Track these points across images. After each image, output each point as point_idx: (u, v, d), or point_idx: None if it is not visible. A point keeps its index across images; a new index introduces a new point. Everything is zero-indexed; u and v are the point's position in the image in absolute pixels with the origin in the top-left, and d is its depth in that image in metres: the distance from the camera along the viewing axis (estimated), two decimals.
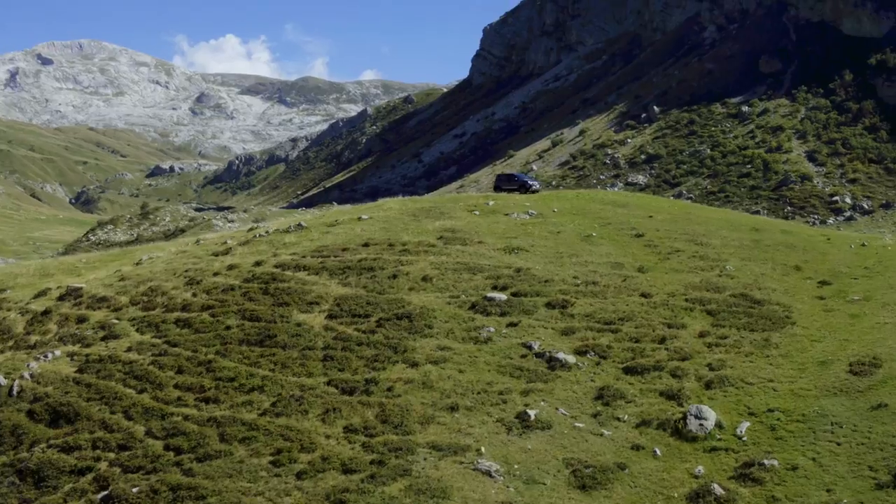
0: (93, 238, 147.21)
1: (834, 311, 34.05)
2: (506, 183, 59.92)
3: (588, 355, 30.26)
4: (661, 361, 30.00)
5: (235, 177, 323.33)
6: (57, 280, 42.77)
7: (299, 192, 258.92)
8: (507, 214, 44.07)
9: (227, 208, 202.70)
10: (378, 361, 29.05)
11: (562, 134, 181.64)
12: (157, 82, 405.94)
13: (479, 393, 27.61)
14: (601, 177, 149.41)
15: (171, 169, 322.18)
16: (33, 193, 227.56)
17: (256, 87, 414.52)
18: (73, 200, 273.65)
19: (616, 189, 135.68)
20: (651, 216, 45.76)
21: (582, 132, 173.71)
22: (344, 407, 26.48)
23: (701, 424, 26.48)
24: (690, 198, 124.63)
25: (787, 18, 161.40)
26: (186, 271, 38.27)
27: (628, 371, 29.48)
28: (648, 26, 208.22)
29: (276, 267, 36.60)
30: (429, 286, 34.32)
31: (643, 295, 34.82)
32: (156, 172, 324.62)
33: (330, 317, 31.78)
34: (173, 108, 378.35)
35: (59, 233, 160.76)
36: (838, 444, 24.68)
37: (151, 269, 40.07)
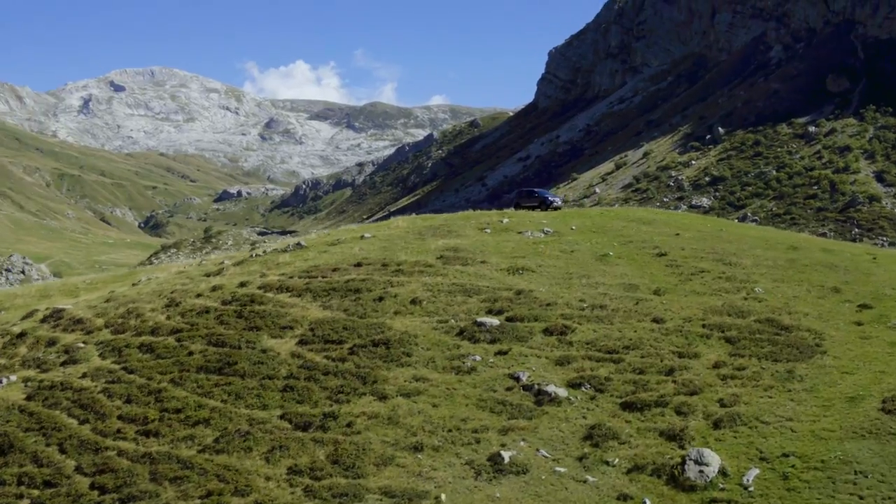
0: (156, 262, 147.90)
1: (872, 339, 29.59)
2: (525, 199, 56.23)
3: (583, 388, 26.54)
4: (665, 396, 26.09)
5: (302, 201, 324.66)
6: (53, 301, 40.87)
7: (365, 217, 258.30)
8: (520, 233, 40.49)
9: (290, 232, 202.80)
10: (343, 393, 25.85)
11: (626, 156, 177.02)
12: (228, 108, 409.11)
13: (450, 430, 24.16)
14: (664, 199, 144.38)
15: (239, 193, 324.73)
16: (103, 217, 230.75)
17: (325, 113, 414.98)
18: (141, 224, 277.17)
19: (680, 211, 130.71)
20: (678, 234, 41.64)
21: (646, 154, 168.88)
22: (293, 444, 23.32)
23: (701, 471, 22.50)
24: (755, 220, 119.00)
25: (855, 36, 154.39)
26: (172, 292, 35.77)
27: (626, 407, 25.66)
28: (714, 46, 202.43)
29: (259, 288, 33.81)
30: (417, 310, 31.04)
31: (655, 320, 30.89)
32: (224, 197, 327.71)
33: (301, 342, 28.74)
34: (243, 134, 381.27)
35: (125, 256, 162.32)
36: (861, 498, 20.49)
37: (141, 290, 37.74)
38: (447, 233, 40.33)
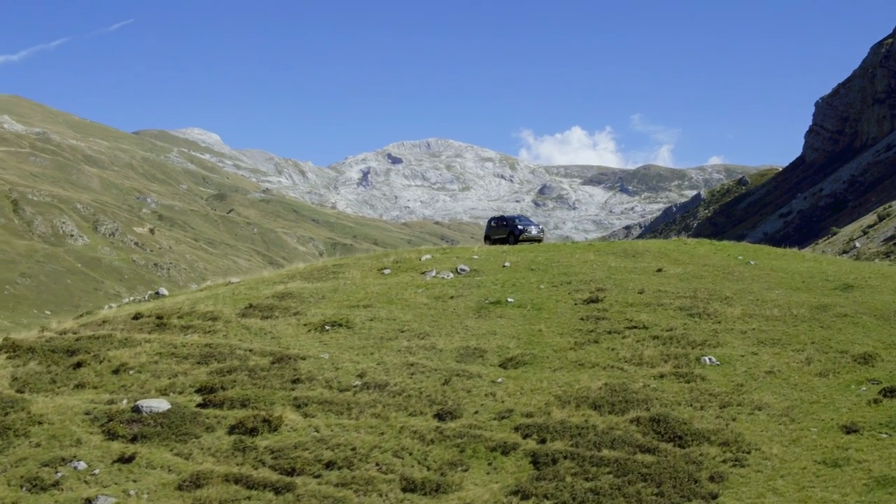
0: None
1: (846, 467, 13.74)
2: (496, 231, 40.83)
3: None
4: None
5: None
6: None
7: None
8: (423, 273, 27.17)
9: None
10: None
11: (890, 206, 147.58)
12: (502, 176, 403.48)
13: None
14: None
15: None
16: None
17: (598, 177, 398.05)
18: None
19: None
20: (660, 269, 25.94)
21: None
22: None
23: None
24: None
25: None
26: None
27: None
28: None
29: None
30: (108, 381, 19.85)
31: (441, 414, 17.04)
32: None
33: None
34: (517, 201, 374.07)
35: None
36: None
37: None
38: (328, 274, 28.22)
